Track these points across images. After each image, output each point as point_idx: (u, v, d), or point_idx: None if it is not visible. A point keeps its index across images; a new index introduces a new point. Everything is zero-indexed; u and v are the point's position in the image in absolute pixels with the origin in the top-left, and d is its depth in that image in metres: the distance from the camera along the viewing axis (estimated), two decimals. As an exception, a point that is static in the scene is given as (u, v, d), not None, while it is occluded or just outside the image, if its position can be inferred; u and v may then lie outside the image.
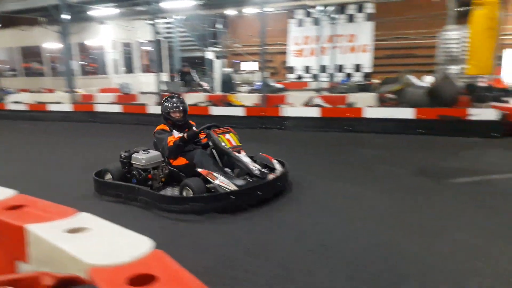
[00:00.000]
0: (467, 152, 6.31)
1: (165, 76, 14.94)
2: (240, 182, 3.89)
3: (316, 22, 16.17)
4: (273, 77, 17.02)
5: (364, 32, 16.81)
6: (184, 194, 3.89)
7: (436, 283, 2.55)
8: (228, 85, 12.66)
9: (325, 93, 11.38)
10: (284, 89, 13.23)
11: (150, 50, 17.38)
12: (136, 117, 10.24)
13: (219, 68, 13.66)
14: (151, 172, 4.18)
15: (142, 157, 4.28)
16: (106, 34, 15.89)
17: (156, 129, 4.53)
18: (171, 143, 4.26)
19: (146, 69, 17.41)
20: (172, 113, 4.50)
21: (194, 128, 4.61)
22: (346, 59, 17.08)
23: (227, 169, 4.18)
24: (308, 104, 9.60)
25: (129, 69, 17.07)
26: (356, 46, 17.05)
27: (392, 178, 4.97)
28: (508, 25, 11.67)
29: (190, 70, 13.54)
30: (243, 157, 4.17)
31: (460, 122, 7.46)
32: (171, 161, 4.34)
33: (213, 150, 4.27)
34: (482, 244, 3.06)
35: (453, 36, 8.81)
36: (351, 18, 17.00)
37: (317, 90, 12.37)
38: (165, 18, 15.23)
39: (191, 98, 11.41)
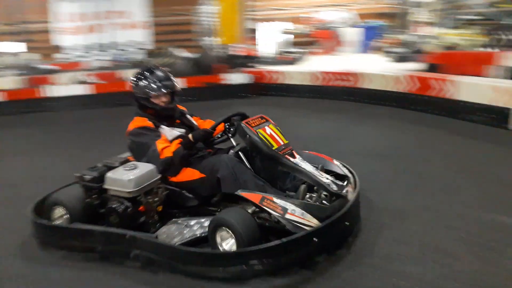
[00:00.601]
0: (222, 111, 7.41)
1: None
2: (312, 207, 2.28)
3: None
4: (45, 58, 15.37)
5: (138, 8, 16.81)
6: (218, 240, 2.28)
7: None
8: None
9: (101, 71, 11.11)
10: (58, 70, 12.21)
11: None
12: None
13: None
14: (143, 201, 2.45)
15: (129, 178, 2.40)
16: None
17: (131, 127, 2.71)
18: (167, 153, 2.54)
19: None
20: (154, 98, 2.70)
21: (188, 116, 2.98)
22: (125, 36, 16.83)
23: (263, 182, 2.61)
24: (81, 82, 9.28)
25: None
26: (133, 22, 16.94)
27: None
28: (257, 2, 13.66)
29: None
30: (302, 163, 2.52)
31: (220, 87, 8.62)
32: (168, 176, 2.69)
33: (240, 153, 2.65)
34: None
35: (207, 11, 9.89)
36: (123, -6, 16.69)
37: (93, 70, 11.90)
38: None
39: None
